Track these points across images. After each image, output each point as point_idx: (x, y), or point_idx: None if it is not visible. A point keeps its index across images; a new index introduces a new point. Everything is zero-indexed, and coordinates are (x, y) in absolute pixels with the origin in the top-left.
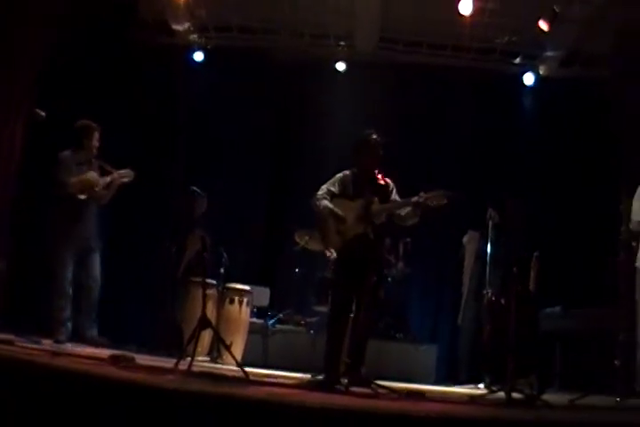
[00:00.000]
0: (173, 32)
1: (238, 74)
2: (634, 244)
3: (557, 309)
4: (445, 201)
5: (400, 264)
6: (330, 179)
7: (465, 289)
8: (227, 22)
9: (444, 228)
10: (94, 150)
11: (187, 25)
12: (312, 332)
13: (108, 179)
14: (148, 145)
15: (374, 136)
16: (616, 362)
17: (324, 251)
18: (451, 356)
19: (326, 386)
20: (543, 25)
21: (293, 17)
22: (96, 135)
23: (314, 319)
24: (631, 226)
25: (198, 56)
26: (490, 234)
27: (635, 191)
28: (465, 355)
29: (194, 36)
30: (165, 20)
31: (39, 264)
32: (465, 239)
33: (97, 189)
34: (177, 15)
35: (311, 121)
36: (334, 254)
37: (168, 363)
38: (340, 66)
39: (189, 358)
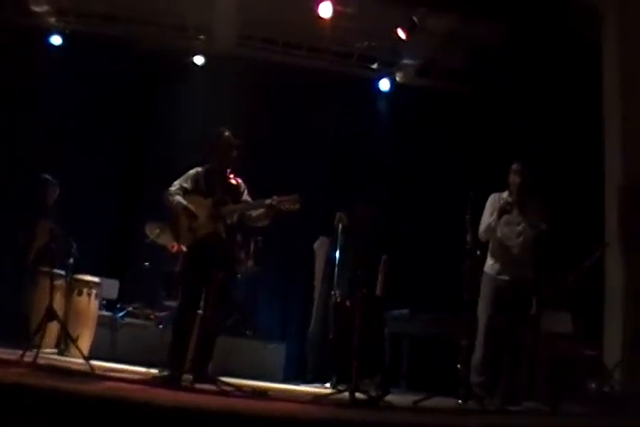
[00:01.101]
0: (31, 13)
1: (96, 61)
2: (478, 252)
3: (405, 311)
4: (298, 206)
5: (250, 262)
6: (183, 174)
7: (316, 293)
8: (87, 8)
9: (295, 228)
10: None
11: (45, 7)
12: (161, 326)
13: None
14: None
15: (227, 135)
16: (458, 366)
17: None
18: (299, 354)
19: (171, 382)
20: (401, 33)
21: (154, 7)
22: None
23: (163, 314)
24: (479, 235)
25: (56, 40)
26: (338, 237)
27: (482, 200)
28: (313, 354)
29: (52, 19)
30: (24, 0)
31: None
32: (316, 245)
33: None
34: None
35: (168, 113)
36: (175, 249)
37: (13, 355)
38: (199, 59)
39: (36, 350)
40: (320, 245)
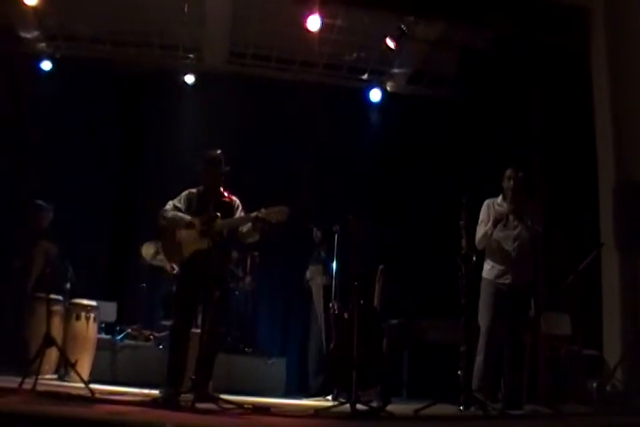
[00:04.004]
0: (21, 40)
1: (87, 84)
2: (474, 257)
3: (404, 320)
4: (286, 217)
5: (248, 277)
6: (177, 194)
7: (316, 306)
8: (76, 32)
9: (291, 242)
10: None
11: (35, 33)
12: (161, 347)
13: None
14: None
15: (215, 157)
16: (459, 372)
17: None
18: (300, 368)
19: (169, 402)
20: (390, 43)
21: (143, 28)
22: None
23: (162, 334)
24: (476, 244)
25: (46, 65)
26: (335, 250)
27: (476, 205)
28: (313, 367)
29: (42, 45)
30: (13, 27)
31: None
32: (308, 275)
33: None
34: (25, 23)
35: (160, 134)
36: (175, 269)
37: (13, 382)
38: (189, 78)
39: (35, 377)
40: (312, 276)
